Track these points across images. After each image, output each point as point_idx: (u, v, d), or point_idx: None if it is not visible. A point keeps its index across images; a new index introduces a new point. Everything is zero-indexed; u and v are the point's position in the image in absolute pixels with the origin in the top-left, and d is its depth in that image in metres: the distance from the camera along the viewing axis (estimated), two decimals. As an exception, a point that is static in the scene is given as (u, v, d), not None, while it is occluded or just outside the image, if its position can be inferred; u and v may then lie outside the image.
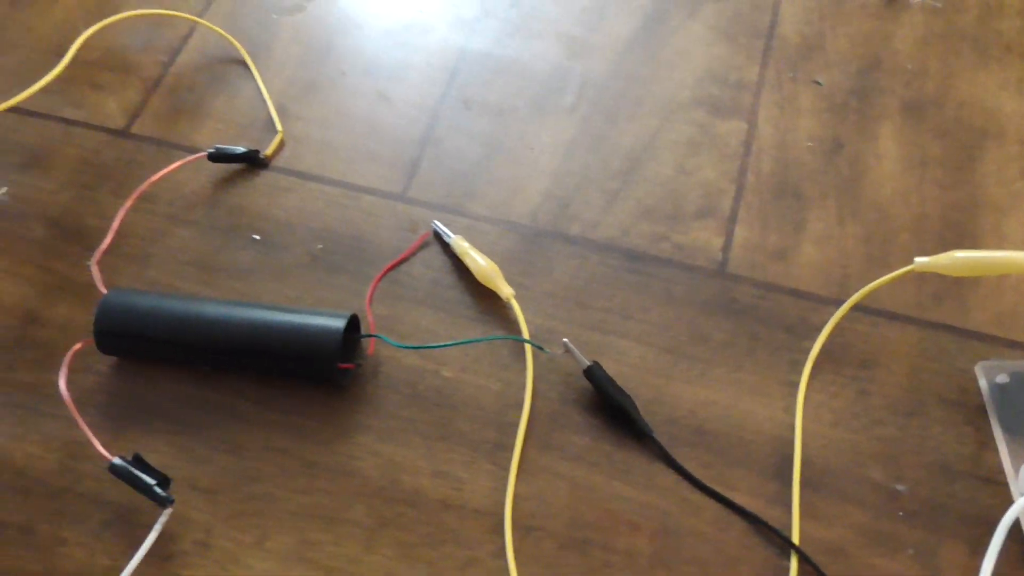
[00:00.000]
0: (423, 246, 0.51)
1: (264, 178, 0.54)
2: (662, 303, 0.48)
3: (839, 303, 0.47)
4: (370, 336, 0.46)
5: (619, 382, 0.45)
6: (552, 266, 0.49)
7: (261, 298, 0.49)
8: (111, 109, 0.57)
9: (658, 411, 0.45)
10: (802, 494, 0.43)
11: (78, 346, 0.46)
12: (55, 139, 0.56)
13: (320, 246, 0.51)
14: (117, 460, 0.43)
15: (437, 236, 0.51)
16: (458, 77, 0.57)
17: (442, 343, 0.47)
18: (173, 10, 0.60)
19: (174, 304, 0.46)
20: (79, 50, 0.57)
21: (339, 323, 0.44)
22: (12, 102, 0.52)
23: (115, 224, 0.50)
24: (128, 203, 0.51)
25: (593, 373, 0.45)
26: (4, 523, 0.43)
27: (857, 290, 0.47)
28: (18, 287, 0.51)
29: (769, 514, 0.42)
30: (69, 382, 0.45)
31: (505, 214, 0.51)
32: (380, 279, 0.49)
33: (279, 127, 0.55)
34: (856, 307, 0.47)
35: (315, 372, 0.45)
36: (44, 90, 0.54)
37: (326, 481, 0.44)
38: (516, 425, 0.45)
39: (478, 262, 0.48)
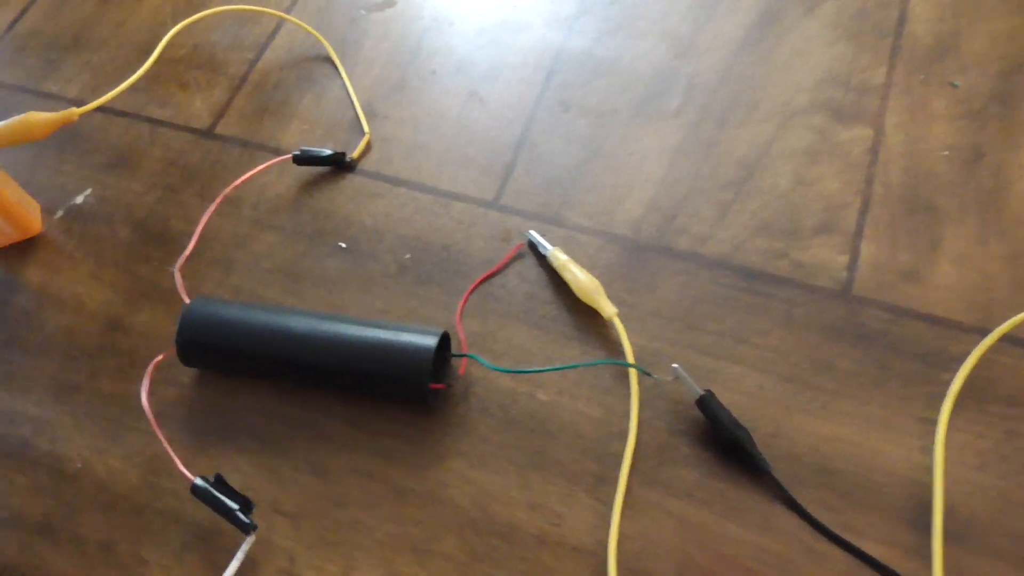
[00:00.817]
0: (517, 257, 0.47)
1: (350, 182, 0.51)
2: (781, 327, 0.43)
3: (983, 332, 0.42)
4: (463, 356, 0.43)
5: (734, 412, 0.41)
6: (657, 283, 0.45)
7: (347, 309, 0.47)
8: (197, 108, 0.55)
9: (777, 446, 0.40)
10: (944, 548, 0.38)
11: (160, 357, 0.44)
12: (141, 139, 0.54)
13: (408, 255, 0.48)
14: (199, 481, 0.41)
15: (532, 247, 0.47)
16: (555, 78, 0.53)
17: (541, 367, 0.43)
18: (260, 6, 0.58)
19: (259, 316, 0.43)
20: (166, 48, 0.55)
21: (431, 341, 0.41)
22: (100, 101, 0.50)
23: (199, 229, 0.48)
24: (212, 207, 0.49)
25: (706, 403, 0.41)
26: (85, 538, 0.42)
27: (1004, 318, 0.41)
28: (102, 292, 0.49)
29: (906, 567, 0.37)
30: (151, 394, 0.43)
31: (606, 225, 0.47)
32: (471, 292, 0.46)
33: (366, 128, 0.52)
34: (1003, 337, 0.42)
35: (405, 392, 0.42)
36: (131, 88, 0.53)
37: (416, 509, 0.41)
38: (619, 456, 0.41)
39: (579, 278, 0.44)
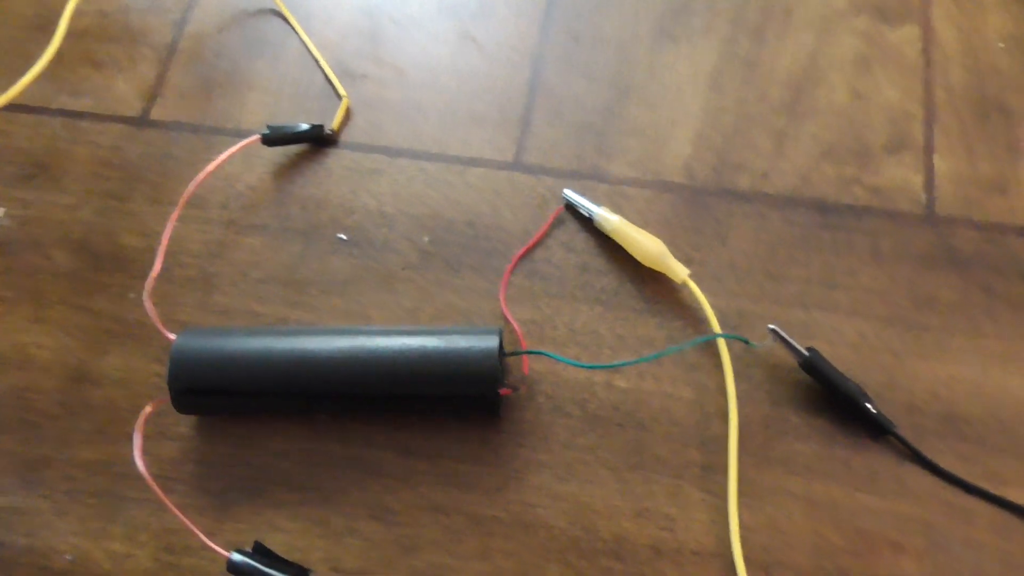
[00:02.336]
0: (556, 224, 0.39)
1: (337, 159, 0.41)
2: (870, 263, 0.37)
3: (1083, 237, 0.37)
4: (528, 352, 0.35)
5: (839, 367, 0.35)
6: (726, 232, 0.38)
7: (369, 315, 0.37)
8: (121, 92, 0.43)
9: (893, 399, 0.35)
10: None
11: (149, 409, 0.34)
12: (58, 139, 0.42)
13: (427, 238, 0.39)
14: (236, 556, 0.32)
15: (572, 209, 0.39)
16: (558, 4, 0.44)
17: (618, 352, 0.36)
18: (175, -45, 0.46)
19: (270, 342, 0.34)
20: (69, 21, 0.43)
21: (492, 342, 0.33)
22: (5, 99, 0.38)
23: (163, 242, 0.37)
24: (175, 212, 0.38)
25: (813, 363, 0.34)
26: (102, 649, 0.33)
27: (1103, 219, 0.37)
28: (52, 337, 0.38)
29: (1054, 511, 0.33)
30: (145, 454, 0.34)
31: (654, 172, 0.40)
32: (512, 272, 0.38)
33: (342, 92, 0.42)
34: (1107, 241, 0.37)
35: (468, 405, 0.34)
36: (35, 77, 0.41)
37: (504, 540, 0.33)
38: (723, 440, 0.34)
39: (639, 240, 0.37)
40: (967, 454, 0.34)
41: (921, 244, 0.38)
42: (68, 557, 0.34)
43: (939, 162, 0.39)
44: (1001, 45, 0.41)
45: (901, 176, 0.39)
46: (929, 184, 0.39)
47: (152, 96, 0.43)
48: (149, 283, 0.37)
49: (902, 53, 0.41)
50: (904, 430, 0.34)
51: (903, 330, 0.36)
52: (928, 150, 0.39)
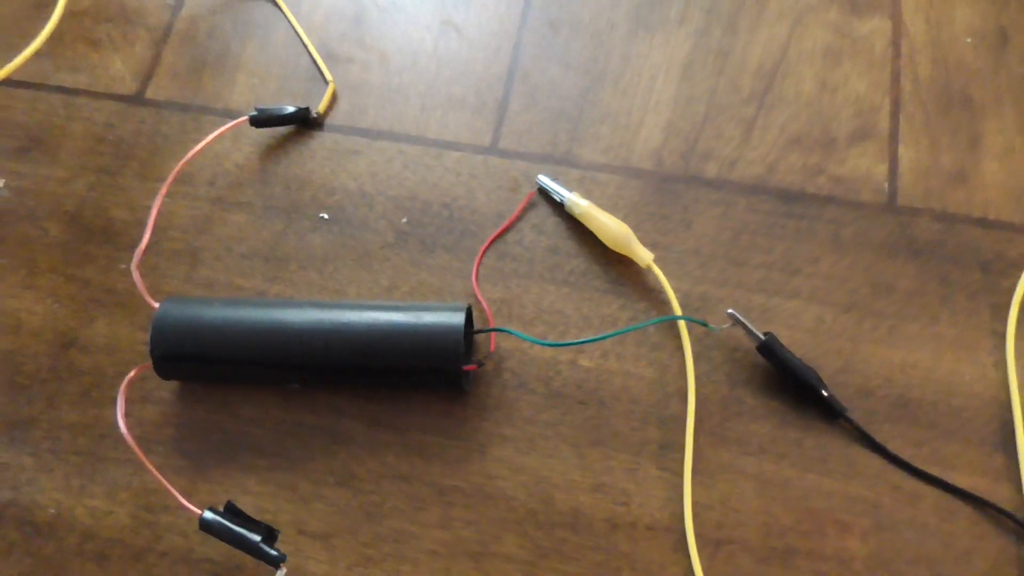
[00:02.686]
0: (529, 207, 0.39)
1: (321, 141, 0.42)
2: (831, 251, 0.38)
3: (1041, 231, 0.37)
4: (493, 330, 0.36)
5: (796, 352, 0.35)
6: (691, 218, 0.39)
7: (346, 291, 0.38)
8: (117, 70, 0.44)
9: (848, 383, 0.35)
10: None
11: (132, 374, 0.35)
12: (55, 115, 0.43)
13: (405, 219, 0.40)
14: (208, 515, 0.33)
15: (545, 194, 0.39)
16: (536, -6, 0.45)
17: (581, 332, 0.36)
18: (171, -60, 0.47)
19: (247, 313, 0.35)
20: (68, 1, 0.44)
21: (458, 319, 0.34)
22: (3, 73, 0.39)
23: (152, 216, 0.38)
24: (164, 188, 0.39)
25: (769, 347, 0.35)
26: (80, 601, 0.34)
27: (1061, 213, 0.37)
28: (43, 304, 0.39)
29: (999, 495, 0.33)
30: (127, 417, 0.35)
31: (623, 158, 0.40)
32: (484, 253, 0.39)
33: (328, 76, 0.42)
34: (1064, 234, 0.37)
35: (434, 379, 0.35)
36: (33, 54, 0.42)
37: (465, 509, 0.34)
38: (681, 419, 0.35)
39: (606, 225, 0.37)
40: (918, 438, 0.34)
41: (882, 233, 0.38)
42: (51, 511, 0.35)
43: (903, 152, 0.39)
44: (968, 40, 0.41)
45: (865, 166, 0.39)
46: (892, 174, 0.39)
47: (147, 75, 0.44)
48: (137, 255, 0.37)
49: (871, 45, 0.41)
50: (857, 414, 0.35)
51: (860, 317, 0.36)
52: (893, 141, 0.40)
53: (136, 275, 0.37)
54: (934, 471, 0.34)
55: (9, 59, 0.43)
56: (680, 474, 0.34)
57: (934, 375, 0.35)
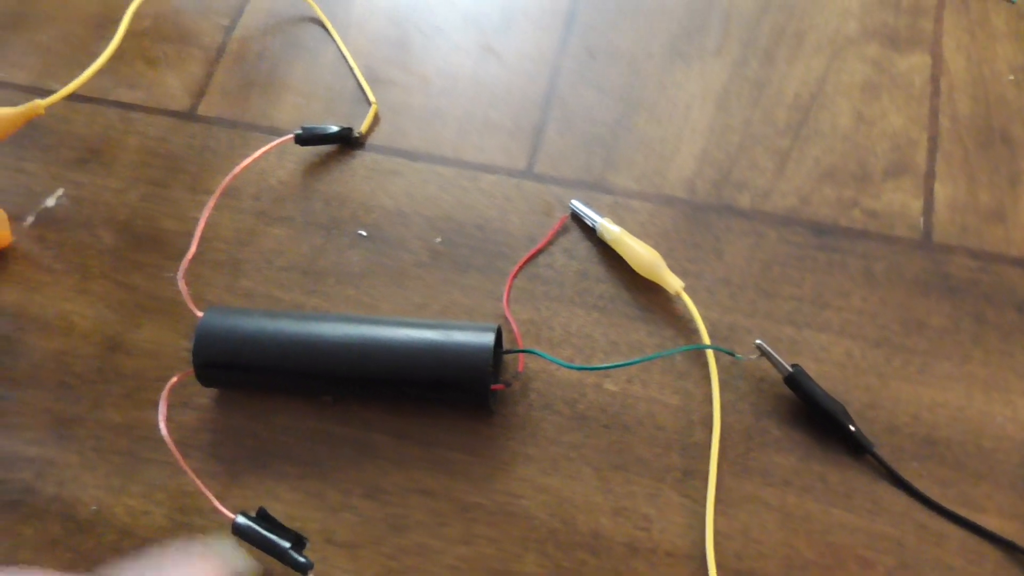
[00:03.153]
0: (561, 232, 0.39)
1: (361, 160, 0.42)
2: (862, 285, 0.37)
3: (1080, 272, 0.36)
4: (522, 351, 0.36)
5: (823, 385, 0.35)
6: (722, 247, 0.38)
7: (379, 306, 0.39)
8: (172, 87, 0.46)
9: (875, 418, 0.35)
10: (1069, 514, 0.33)
11: (175, 379, 0.36)
12: (112, 128, 0.45)
13: (439, 239, 0.40)
14: (241, 519, 0.34)
15: (577, 219, 0.39)
16: (576, 21, 0.45)
17: (609, 355, 0.36)
18: (228, -36, 0.48)
19: (286, 325, 0.35)
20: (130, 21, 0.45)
21: (487, 339, 0.34)
22: (69, 89, 0.40)
23: (200, 228, 0.39)
24: (212, 201, 0.40)
25: (797, 380, 0.34)
26: (115, 596, 0.35)
27: (1102, 255, 0.36)
28: (94, 308, 0.40)
29: (1028, 540, 0.33)
30: (167, 420, 0.36)
31: (657, 186, 0.40)
32: (516, 275, 0.39)
33: (372, 98, 0.43)
34: (1104, 277, 0.36)
35: (462, 397, 0.35)
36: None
37: (487, 526, 0.34)
38: (705, 446, 0.35)
39: (637, 252, 0.37)
40: (945, 478, 0.34)
41: (915, 269, 0.37)
42: (92, 508, 0.36)
43: (939, 189, 0.39)
44: (1011, 77, 0.40)
45: (900, 201, 0.39)
46: (928, 210, 0.38)
47: (199, 93, 0.46)
48: (184, 264, 0.38)
49: (910, 81, 0.41)
50: (883, 450, 0.34)
51: (890, 352, 0.36)
52: (929, 177, 0.39)
53: (182, 284, 0.38)
54: (962, 512, 0.33)
55: (73, 75, 0.45)
56: (702, 502, 0.34)
57: (964, 415, 0.34)
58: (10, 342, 0.40)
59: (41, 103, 0.39)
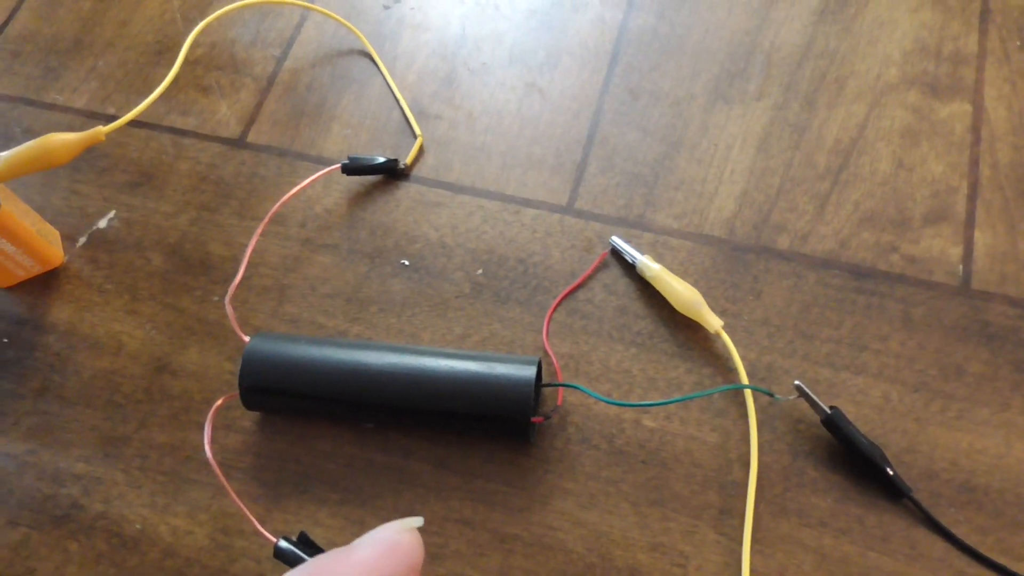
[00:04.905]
0: (602, 268, 0.40)
1: (406, 191, 0.44)
2: (901, 329, 0.38)
3: (1120, 323, 0.37)
4: (563, 385, 0.37)
5: (861, 428, 0.36)
6: (761, 288, 0.39)
7: (420, 336, 0.40)
8: (223, 115, 0.47)
9: (913, 463, 0.35)
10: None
11: (220, 402, 0.37)
12: (165, 153, 0.46)
13: (481, 271, 0.41)
14: (283, 543, 0.34)
15: (617, 255, 0.40)
16: (619, 62, 0.46)
17: (647, 391, 0.37)
18: (281, -3, 0.50)
19: (330, 352, 0.37)
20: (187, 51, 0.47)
21: (529, 372, 0.35)
22: (130, 116, 0.41)
23: (248, 254, 0.41)
24: (260, 227, 0.41)
25: (835, 422, 0.35)
26: (156, 614, 0.36)
27: None
28: (142, 329, 0.42)
29: (1067, 591, 0.33)
30: (212, 442, 0.37)
31: (696, 225, 0.41)
32: (556, 308, 0.40)
33: (417, 131, 0.45)
34: None
35: (502, 428, 0.36)
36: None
37: (524, 558, 0.35)
38: (742, 485, 0.35)
39: (678, 290, 0.38)
40: (983, 525, 0.34)
41: (954, 315, 0.38)
42: (137, 526, 0.37)
43: (979, 236, 0.39)
44: (1053, 128, 0.41)
45: (939, 247, 0.39)
46: (967, 257, 0.39)
47: (249, 121, 0.47)
48: (231, 289, 0.40)
49: (951, 128, 0.42)
50: (921, 495, 0.35)
51: (929, 397, 0.36)
52: (969, 224, 0.40)
53: (229, 308, 0.39)
54: (1000, 560, 0.33)
55: (129, 100, 0.47)
56: (738, 540, 0.34)
57: (1003, 462, 0.35)
58: (61, 360, 0.41)
59: (103, 130, 0.40)
